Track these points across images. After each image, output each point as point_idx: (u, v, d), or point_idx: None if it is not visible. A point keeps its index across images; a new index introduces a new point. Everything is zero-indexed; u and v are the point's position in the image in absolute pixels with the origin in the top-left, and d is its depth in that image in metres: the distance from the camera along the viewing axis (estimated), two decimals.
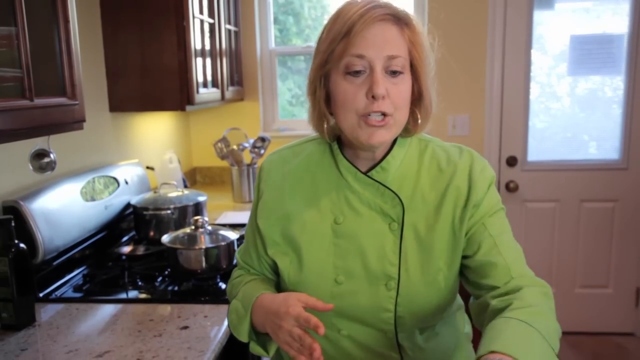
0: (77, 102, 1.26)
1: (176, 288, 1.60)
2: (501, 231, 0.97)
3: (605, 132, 3.02)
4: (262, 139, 2.76)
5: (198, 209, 2.04)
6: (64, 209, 1.61)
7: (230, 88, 2.72)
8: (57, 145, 1.52)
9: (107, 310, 1.43)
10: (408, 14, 0.94)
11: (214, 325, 1.32)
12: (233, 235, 1.63)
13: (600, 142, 3.05)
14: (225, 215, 2.40)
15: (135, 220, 2.01)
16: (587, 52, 2.94)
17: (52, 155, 1.45)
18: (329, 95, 0.97)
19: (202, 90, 2.22)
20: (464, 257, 0.98)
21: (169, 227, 1.93)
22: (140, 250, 1.89)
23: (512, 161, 3.05)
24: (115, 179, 1.97)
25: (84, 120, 1.31)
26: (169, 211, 1.95)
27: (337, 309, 0.96)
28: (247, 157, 2.78)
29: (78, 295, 1.55)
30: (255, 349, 1.01)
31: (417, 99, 0.97)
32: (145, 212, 1.96)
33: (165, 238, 1.61)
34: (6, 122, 1.03)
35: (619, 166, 3.01)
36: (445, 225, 0.96)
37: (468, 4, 2.92)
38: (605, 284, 3.14)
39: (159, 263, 1.76)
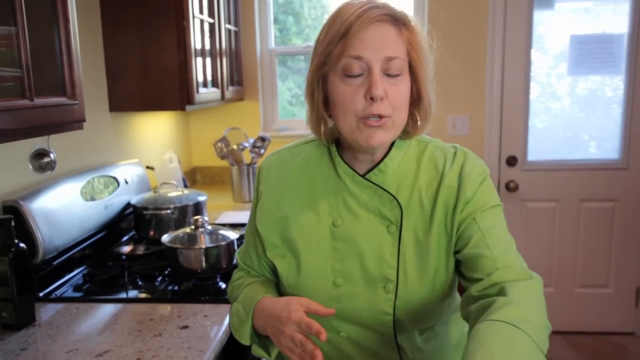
0: (77, 102, 1.26)
1: (176, 288, 1.60)
2: (492, 225, 0.94)
3: (605, 131, 3.02)
4: (262, 139, 2.76)
5: (198, 208, 2.04)
6: (64, 209, 1.61)
7: (230, 88, 2.72)
8: (57, 145, 1.52)
9: (107, 310, 1.43)
10: (406, 14, 0.93)
11: (214, 324, 1.32)
12: (233, 235, 1.63)
13: (600, 141, 3.05)
14: (225, 215, 2.40)
15: (135, 220, 2.01)
16: (587, 52, 2.94)
17: (52, 155, 1.46)
18: (327, 97, 0.96)
19: (202, 90, 2.22)
20: (456, 252, 0.97)
21: (169, 227, 1.93)
22: (140, 249, 1.89)
23: (512, 161, 3.05)
24: (115, 178, 1.97)
25: (83, 120, 1.31)
26: (169, 211, 1.95)
27: (336, 312, 0.96)
28: (247, 157, 2.78)
29: (78, 294, 1.55)
30: (257, 351, 1.01)
31: (415, 100, 0.96)
32: (145, 212, 1.96)
33: (165, 238, 1.61)
34: (6, 122, 1.03)
35: (619, 166, 3.01)
36: (440, 226, 0.96)
37: (468, 4, 2.92)
38: (605, 284, 3.14)
39: (159, 263, 1.76)
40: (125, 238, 2.04)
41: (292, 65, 3.27)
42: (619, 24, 2.89)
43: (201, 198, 2.07)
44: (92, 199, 1.78)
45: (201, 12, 2.25)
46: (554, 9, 2.96)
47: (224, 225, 1.78)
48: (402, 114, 0.94)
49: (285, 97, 3.30)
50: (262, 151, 2.75)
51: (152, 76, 2.09)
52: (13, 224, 1.29)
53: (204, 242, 1.58)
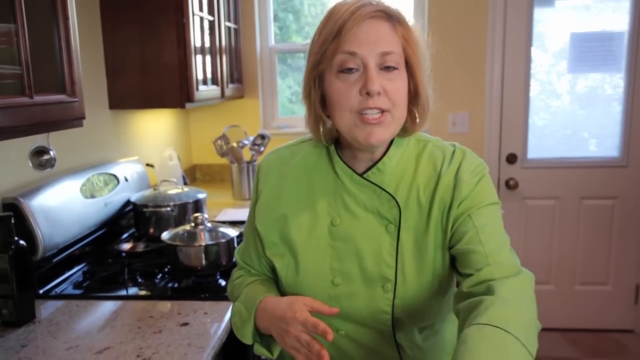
0: (76, 100, 1.26)
1: (176, 285, 1.60)
2: (487, 222, 0.93)
3: (605, 129, 3.02)
4: (262, 137, 2.76)
5: (198, 206, 2.05)
6: (64, 206, 1.61)
7: (230, 85, 2.72)
8: (56, 142, 1.52)
9: (107, 307, 1.43)
10: (400, 11, 0.93)
11: (214, 322, 1.32)
12: (233, 232, 1.64)
13: (600, 139, 3.05)
14: (225, 213, 2.40)
15: (135, 218, 2.01)
16: (587, 50, 2.94)
17: (51, 153, 1.46)
18: (324, 97, 0.95)
19: (201, 87, 2.22)
20: (450, 248, 0.96)
21: (169, 224, 1.93)
22: (140, 247, 1.89)
23: (512, 158, 3.05)
24: (115, 176, 1.97)
25: (83, 118, 1.31)
26: (168, 208, 1.96)
27: None
28: (246, 155, 2.78)
29: (78, 292, 1.56)
30: (259, 350, 1.01)
31: (413, 96, 0.96)
32: (145, 210, 1.96)
33: (165, 235, 1.61)
34: (6, 119, 1.03)
35: (619, 164, 3.01)
36: (437, 224, 0.95)
37: (468, 2, 2.92)
38: (604, 281, 3.15)
39: (158, 260, 1.76)
40: (125, 235, 2.04)
41: (292, 62, 3.26)
42: (619, 21, 2.89)
43: (201, 195, 2.08)
44: (92, 197, 1.78)
45: (201, 9, 2.25)
46: (554, 6, 2.96)
47: (223, 222, 1.78)
48: (402, 110, 0.93)
49: (285, 94, 3.30)
50: (262, 149, 2.75)
51: (152, 74, 2.09)
52: (13, 221, 1.30)
53: (204, 239, 1.58)
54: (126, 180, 2.03)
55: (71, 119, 1.27)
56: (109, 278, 1.65)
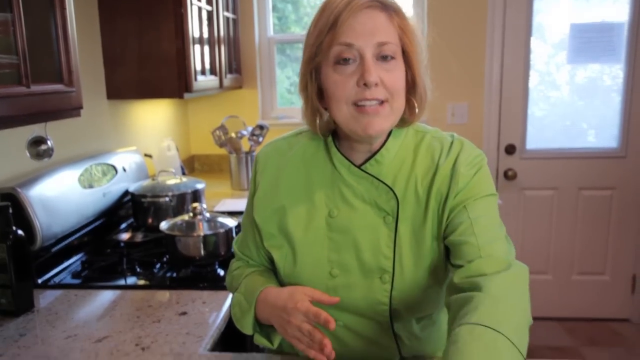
0: (74, 89, 1.25)
1: (174, 274, 1.60)
2: (482, 214, 0.92)
3: (604, 120, 3.01)
4: (261, 127, 2.75)
5: (196, 196, 2.05)
6: (62, 196, 1.61)
7: (229, 76, 2.71)
8: (54, 132, 1.52)
9: (105, 297, 1.44)
10: (394, 1, 0.92)
11: (213, 311, 1.33)
12: (232, 222, 1.64)
13: (599, 130, 3.05)
14: (224, 203, 2.40)
15: (133, 208, 2.01)
16: (587, 40, 2.93)
17: (49, 142, 1.45)
18: (321, 89, 0.95)
19: (200, 77, 2.22)
20: (444, 239, 0.96)
21: (167, 215, 1.93)
22: (139, 237, 1.89)
23: (510, 149, 3.05)
24: (113, 166, 1.97)
25: (81, 107, 1.30)
26: (167, 198, 1.96)
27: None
28: (245, 145, 2.78)
29: (77, 281, 1.56)
30: (259, 340, 1.01)
31: (411, 86, 0.95)
32: (143, 200, 1.96)
33: (163, 225, 1.62)
34: (2, 109, 1.03)
35: (618, 154, 3.02)
36: (433, 215, 0.95)
37: None
38: (602, 271, 3.16)
39: (157, 250, 1.76)
40: (123, 226, 2.04)
41: (290, 53, 3.25)
42: (620, 12, 2.88)
43: (199, 186, 2.08)
44: (90, 187, 1.78)
45: None
46: None
47: (222, 213, 1.78)
48: (400, 100, 0.92)
49: (284, 85, 3.29)
50: (261, 139, 2.75)
51: (150, 64, 2.09)
52: (11, 211, 1.30)
53: (203, 229, 1.58)
54: (124, 170, 2.03)
55: (69, 109, 1.26)
56: (107, 268, 1.65)
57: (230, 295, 1.38)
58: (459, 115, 3.03)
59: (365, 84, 0.88)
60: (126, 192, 2.02)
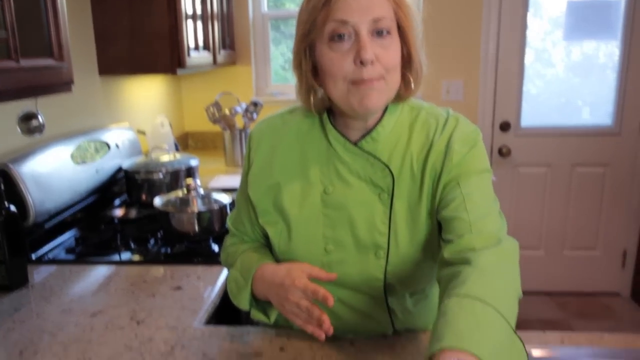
0: (64, 64, 1.24)
1: (169, 250, 1.61)
2: (474, 190, 0.92)
3: (599, 97, 3.01)
4: (255, 104, 2.74)
5: (190, 172, 2.04)
6: (55, 172, 1.60)
7: (222, 52, 2.68)
8: (46, 109, 1.51)
9: (100, 272, 1.44)
10: None
11: (207, 285, 1.33)
12: (226, 198, 1.64)
13: (594, 107, 3.05)
14: (218, 179, 2.40)
15: (127, 184, 2.00)
16: (584, 18, 2.91)
17: (40, 118, 1.44)
18: (316, 66, 0.94)
19: (193, 53, 2.19)
20: (437, 214, 0.96)
21: (161, 191, 1.93)
22: (133, 213, 1.89)
23: (505, 126, 3.05)
24: (106, 142, 1.96)
25: (72, 82, 1.29)
26: (160, 175, 1.95)
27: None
28: (239, 122, 2.76)
29: (71, 257, 1.56)
30: (256, 315, 1.02)
31: (406, 62, 0.94)
32: (136, 176, 1.95)
33: (157, 201, 1.61)
34: None
35: (612, 131, 3.02)
36: (428, 191, 0.95)
37: None
38: (593, 246, 3.20)
39: (151, 226, 1.76)
40: (117, 202, 2.04)
41: (285, 30, 3.22)
42: None
43: (193, 162, 2.07)
44: (83, 163, 1.77)
45: None
46: None
47: (216, 189, 1.78)
48: (395, 75, 0.92)
49: (279, 62, 3.26)
50: (255, 116, 2.73)
51: (142, 39, 2.06)
52: (2, 187, 1.29)
53: (197, 205, 1.58)
54: (117, 147, 2.02)
55: (59, 84, 1.25)
56: (101, 244, 1.65)
57: (225, 270, 1.38)
58: (454, 92, 3.02)
59: (361, 62, 0.87)
60: (119, 169, 2.01)
